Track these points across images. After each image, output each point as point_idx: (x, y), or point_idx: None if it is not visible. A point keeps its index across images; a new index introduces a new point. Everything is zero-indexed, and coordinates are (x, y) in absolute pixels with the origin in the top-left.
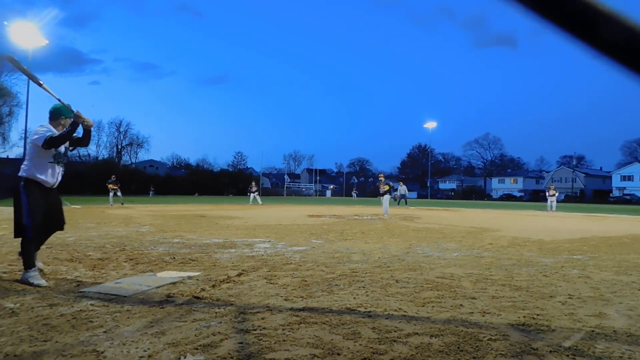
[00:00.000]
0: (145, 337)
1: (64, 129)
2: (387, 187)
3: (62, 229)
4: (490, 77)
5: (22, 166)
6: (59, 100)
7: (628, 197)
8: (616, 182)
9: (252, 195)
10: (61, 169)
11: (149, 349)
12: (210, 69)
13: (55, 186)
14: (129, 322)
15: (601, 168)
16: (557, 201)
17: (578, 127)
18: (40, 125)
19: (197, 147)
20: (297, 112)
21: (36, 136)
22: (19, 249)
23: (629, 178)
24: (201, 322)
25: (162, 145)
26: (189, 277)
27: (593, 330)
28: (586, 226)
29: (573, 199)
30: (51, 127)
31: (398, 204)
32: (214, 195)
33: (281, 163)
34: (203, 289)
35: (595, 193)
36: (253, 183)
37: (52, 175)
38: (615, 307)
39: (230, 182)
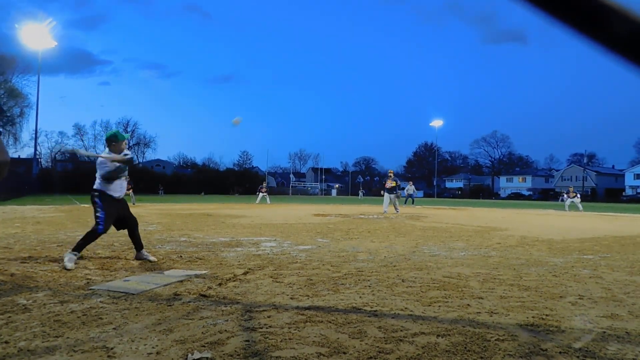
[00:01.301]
0: (154, 334)
1: (114, 167)
2: (394, 184)
3: (137, 223)
4: (499, 73)
5: (96, 181)
6: (115, 159)
7: None
8: (629, 180)
9: (260, 194)
10: (125, 181)
11: (157, 345)
12: (216, 68)
13: (122, 196)
14: (137, 319)
15: (613, 166)
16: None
17: (589, 124)
18: (106, 153)
19: (203, 146)
20: (302, 111)
21: (104, 165)
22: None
23: None
24: (208, 320)
25: (168, 144)
26: (196, 276)
27: (605, 332)
28: (598, 225)
29: (584, 197)
30: (110, 152)
31: (405, 203)
32: (220, 194)
33: (286, 162)
34: (210, 287)
35: (607, 192)
36: (264, 183)
37: (120, 189)
38: (628, 308)
39: (236, 181)
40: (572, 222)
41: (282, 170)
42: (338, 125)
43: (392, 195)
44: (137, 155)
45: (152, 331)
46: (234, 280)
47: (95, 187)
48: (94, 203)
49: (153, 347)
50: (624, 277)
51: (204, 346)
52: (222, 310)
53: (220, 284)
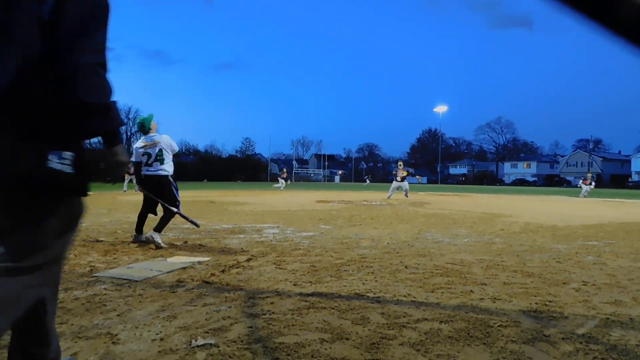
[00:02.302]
0: (157, 321)
1: None
2: (405, 173)
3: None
4: (504, 59)
5: (167, 167)
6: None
7: None
8: (635, 166)
9: (281, 180)
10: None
11: (160, 332)
12: (219, 55)
13: None
14: (141, 306)
15: (620, 152)
16: (572, 186)
17: (596, 110)
18: (165, 135)
19: (206, 133)
20: (305, 98)
21: (175, 146)
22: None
23: None
24: (211, 307)
25: (170, 131)
26: (199, 262)
27: (608, 318)
28: (602, 212)
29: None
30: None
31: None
32: (222, 182)
33: (289, 148)
34: (213, 274)
35: (612, 178)
36: (284, 170)
37: None
38: (632, 294)
39: (239, 168)
40: (577, 209)
41: (284, 157)
42: (341, 111)
43: (404, 183)
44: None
45: (155, 318)
46: (237, 267)
47: (170, 172)
48: (169, 186)
49: (157, 334)
50: (628, 264)
51: (208, 332)
52: (225, 297)
53: (223, 271)
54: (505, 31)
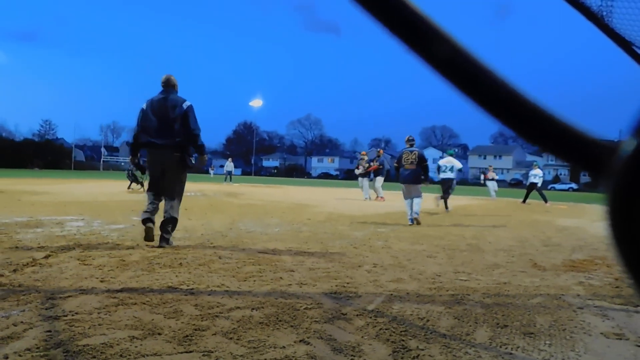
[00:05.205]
0: None
1: None
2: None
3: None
4: (316, 60)
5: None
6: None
7: None
8: None
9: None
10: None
11: None
12: (16, 23)
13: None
14: None
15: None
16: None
17: (385, 111)
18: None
19: None
20: (116, 80)
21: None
22: None
23: None
24: None
25: None
26: None
27: (391, 294)
28: (390, 203)
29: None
30: None
31: (225, 180)
32: (14, 168)
33: (98, 134)
34: (1, 275)
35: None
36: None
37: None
38: (409, 272)
39: (36, 154)
40: (371, 200)
41: (92, 143)
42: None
43: (379, 179)
44: None
45: None
46: (33, 265)
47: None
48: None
49: None
50: (408, 247)
51: None
52: (18, 300)
53: (15, 270)
54: (318, 34)
